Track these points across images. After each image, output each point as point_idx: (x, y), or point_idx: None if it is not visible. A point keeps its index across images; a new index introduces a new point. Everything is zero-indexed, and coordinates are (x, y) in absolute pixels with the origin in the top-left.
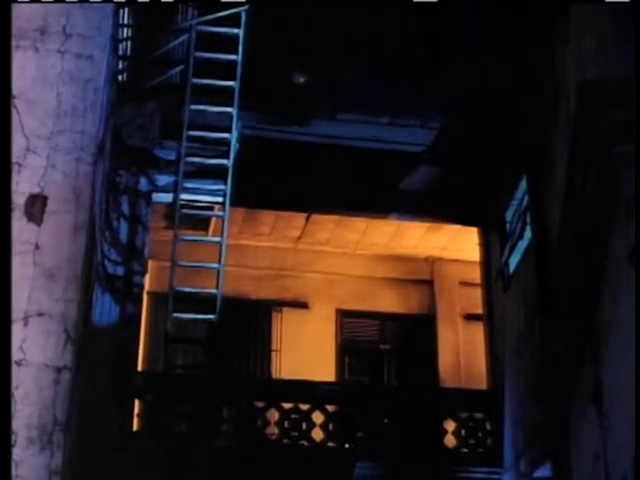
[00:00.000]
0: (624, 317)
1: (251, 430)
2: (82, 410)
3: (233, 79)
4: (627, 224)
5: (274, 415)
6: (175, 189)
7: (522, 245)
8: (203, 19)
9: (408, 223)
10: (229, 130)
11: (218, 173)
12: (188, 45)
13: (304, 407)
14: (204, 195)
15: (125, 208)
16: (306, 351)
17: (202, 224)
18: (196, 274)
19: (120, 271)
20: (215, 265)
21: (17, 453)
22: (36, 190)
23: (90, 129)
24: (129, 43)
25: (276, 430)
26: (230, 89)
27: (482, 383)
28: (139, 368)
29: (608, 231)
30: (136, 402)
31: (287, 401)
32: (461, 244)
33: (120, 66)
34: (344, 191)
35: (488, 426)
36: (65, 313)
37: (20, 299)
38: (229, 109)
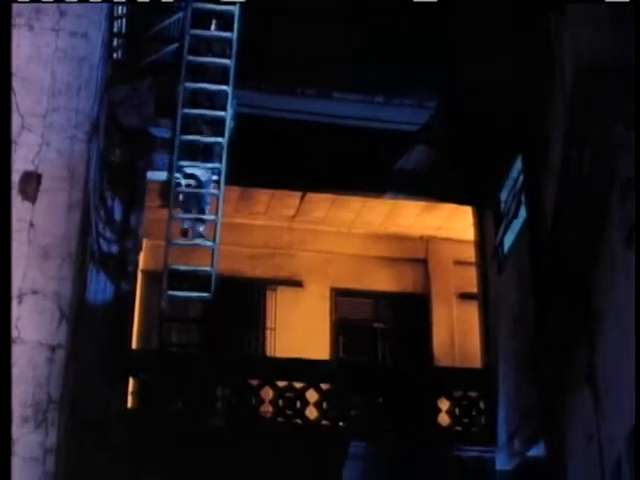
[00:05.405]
0: (620, 299)
1: (245, 408)
2: (76, 388)
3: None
4: (623, 206)
5: (268, 393)
6: (170, 168)
7: (517, 224)
8: None
9: (403, 202)
10: (224, 108)
11: (213, 151)
12: (183, 23)
13: (298, 385)
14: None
15: (119, 187)
16: (300, 329)
17: None
18: (191, 253)
19: (114, 249)
20: (210, 243)
21: (12, 431)
22: (30, 168)
23: (85, 107)
24: (124, 21)
25: (270, 408)
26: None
27: (476, 362)
28: (133, 346)
29: (604, 213)
30: (130, 380)
31: (281, 379)
32: (456, 223)
33: (115, 44)
34: (339, 170)
35: (482, 405)
36: (59, 291)
37: (14, 277)
38: (224, 87)
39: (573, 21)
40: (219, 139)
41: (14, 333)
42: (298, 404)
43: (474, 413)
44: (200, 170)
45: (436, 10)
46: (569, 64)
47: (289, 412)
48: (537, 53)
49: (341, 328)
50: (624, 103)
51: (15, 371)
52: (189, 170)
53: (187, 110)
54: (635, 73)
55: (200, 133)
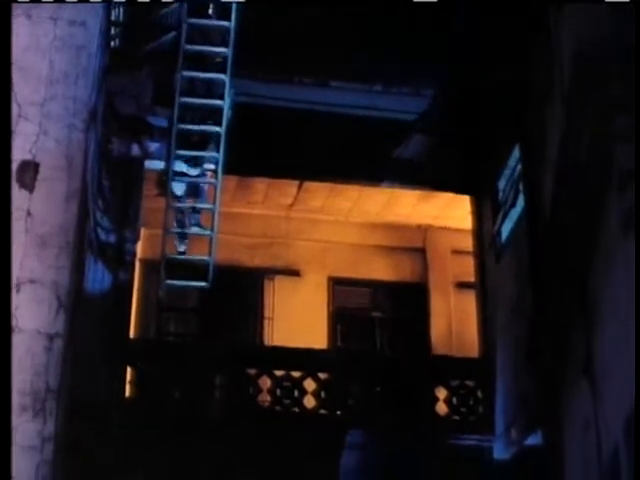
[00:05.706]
0: (617, 288)
1: (243, 397)
2: (74, 377)
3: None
4: (621, 194)
5: (266, 382)
6: (167, 156)
7: (515, 213)
8: None
9: (401, 191)
10: (222, 97)
11: (211, 140)
12: (181, 11)
13: (296, 374)
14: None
15: (117, 175)
16: (298, 319)
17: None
18: (189, 242)
19: (112, 239)
20: (208, 232)
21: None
22: (28, 157)
23: (82, 96)
24: (122, 9)
25: (268, 397)
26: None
27: (474, 351)
28: (131, 336)
29: (602, 201)
30: (129, 369)
31: (279, 368)
32: (454, 212)
33: (113, 32)
34: (337, 159)
35: (480, 394)
36: (57, 280)
37: (12, 266)
38: (222, 76)
39: (572, 20)
40: (217, 128)
41: (12, 322)
42: (296, 393)
43: (472, 402)
44: (186, 165)
45: (436, 10)
46: (567, 58)
47: (287, 401)
48: (537, 41)
49: (339, 317)
50: (623, 90)
51: (13, 360)
52: (177, 168)
53: (185, 99)
54: (635, 71)
55: (197, 122)
